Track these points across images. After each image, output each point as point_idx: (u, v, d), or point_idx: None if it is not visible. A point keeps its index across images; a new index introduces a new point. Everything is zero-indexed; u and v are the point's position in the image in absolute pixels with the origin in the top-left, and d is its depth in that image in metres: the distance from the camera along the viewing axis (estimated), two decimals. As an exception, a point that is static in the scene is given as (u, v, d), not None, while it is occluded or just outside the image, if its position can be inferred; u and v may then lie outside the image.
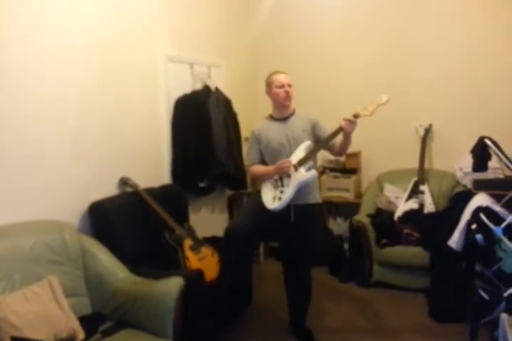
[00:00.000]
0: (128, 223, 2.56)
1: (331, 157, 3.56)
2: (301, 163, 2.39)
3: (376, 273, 3.31)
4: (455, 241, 2.40)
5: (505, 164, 2.41)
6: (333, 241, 3.75)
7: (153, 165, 3.12)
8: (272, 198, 2.46)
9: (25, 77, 2.20)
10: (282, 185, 2.44)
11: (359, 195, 3.81)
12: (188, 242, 2.65)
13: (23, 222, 2.15)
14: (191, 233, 2.79)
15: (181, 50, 3.31)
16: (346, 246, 3.72)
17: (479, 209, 2.31)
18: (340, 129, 2.30)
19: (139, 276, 2.19)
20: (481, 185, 2.67)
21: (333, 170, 3.93)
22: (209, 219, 3.65)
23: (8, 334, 1.71)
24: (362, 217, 3.39)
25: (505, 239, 2.20)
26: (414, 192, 3.45)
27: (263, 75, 2.68)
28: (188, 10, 3.39)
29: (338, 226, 3.95)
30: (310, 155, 2.41)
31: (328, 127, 2.51)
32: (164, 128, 3.20)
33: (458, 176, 3.47)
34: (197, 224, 2.97)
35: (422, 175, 3.51)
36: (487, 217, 2.25)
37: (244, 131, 3.63)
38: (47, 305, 1.89)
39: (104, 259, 2.23)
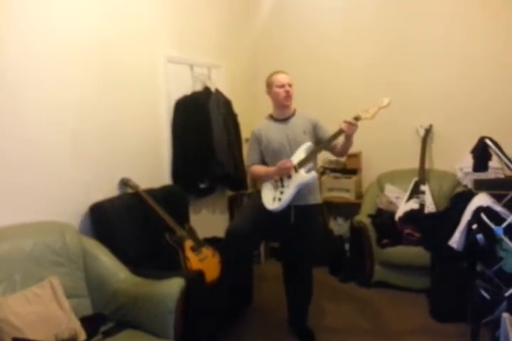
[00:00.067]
0: (129, 224, 2.56)
1: (332, 157, 3.56)
2: (302, 164, 2.38)
3: (377, 273, 3.31)
4: (456, 241, 2.40)
5: (506, 164, 2.41)
6: (333, 241, 3.75)
7: (153, 166, 3.12)
8: (271, 199, 2.46)
9: (24, 78, 2.20)
10: (282, 186, 2.44)
11: (360, 196, 3.81)
12: (188, 243, 2.65)
13: (24, 223, 2.15)
14: (192, 234, 2.79)
15: (181, 51, 3.31)
16: (347, 246, 3.72)
17: (480, 209, 2.31)
18: (340, 131, 2.29)
19: (140, 277, 2.19)
20: (481, 185, 2.67)
21: (333, 170, 3.92)
22: (209, 220, 3.65)
23: (10, 335, 1.71)
24: (363, 217, 3.39)
25: (506, 239, 2.20)
26: (415, 192, 3.44)
27: (263, 76, 2.68)
28: (188, 11, 3.39)
29: (338, 226, 3.95)
30: (310, 157, 2.40)
31: (328, 128, 2.50)
32: (164, 130, 3.20)
33: (458, 176, 3.47)
34: (197, 225, 2.97)
35: (423, 175, 3.51)
36: (488, 217, 2.26)
37: (245, 132, 3.63)
38: (48, 306, 1.89)
39: (105, 260, 2.24)
